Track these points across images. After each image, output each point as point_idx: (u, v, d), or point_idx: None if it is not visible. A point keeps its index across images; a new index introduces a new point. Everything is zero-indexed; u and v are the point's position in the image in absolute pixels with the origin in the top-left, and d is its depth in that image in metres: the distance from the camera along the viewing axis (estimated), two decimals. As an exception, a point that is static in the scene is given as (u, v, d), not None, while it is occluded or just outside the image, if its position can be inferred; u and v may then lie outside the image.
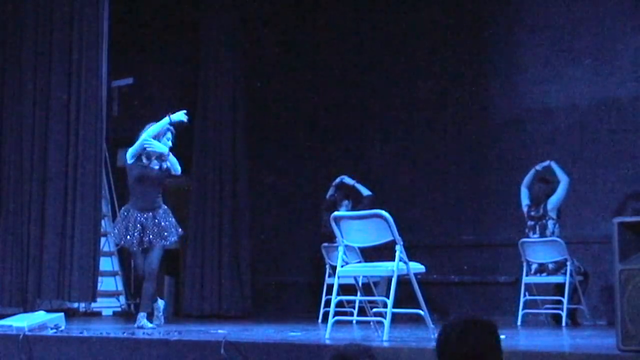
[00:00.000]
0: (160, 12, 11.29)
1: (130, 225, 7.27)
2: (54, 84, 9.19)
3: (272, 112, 10.89)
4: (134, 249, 7.33)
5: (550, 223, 8.20)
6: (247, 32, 10.55)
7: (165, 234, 7.32)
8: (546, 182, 8.36)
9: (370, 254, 7.97)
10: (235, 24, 10.46)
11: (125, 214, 7.38)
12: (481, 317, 2.89)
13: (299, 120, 10.74)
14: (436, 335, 2.89)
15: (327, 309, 6.65)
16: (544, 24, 9.34)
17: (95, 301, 9.40)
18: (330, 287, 7.30)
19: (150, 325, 7.20)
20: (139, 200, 7.38)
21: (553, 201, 8.20)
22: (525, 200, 8.42)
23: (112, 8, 9.40)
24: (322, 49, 10.64)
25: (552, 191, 8.29)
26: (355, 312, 7.82)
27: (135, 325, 7.23)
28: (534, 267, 8.22)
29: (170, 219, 7.40)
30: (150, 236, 7.27)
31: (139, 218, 7.29)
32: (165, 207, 7.43)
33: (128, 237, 7.27)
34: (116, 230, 7.44)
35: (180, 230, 7.56)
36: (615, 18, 8.92)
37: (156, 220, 7.29)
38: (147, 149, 7.30)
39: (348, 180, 9.54)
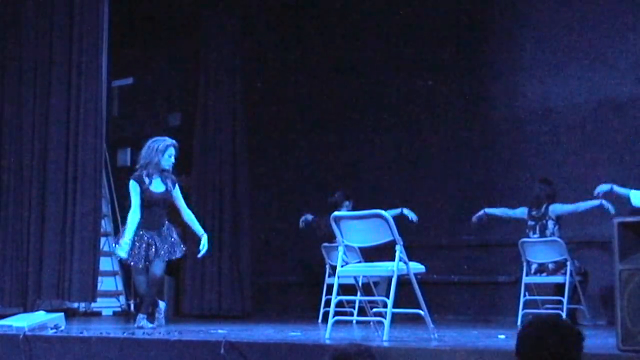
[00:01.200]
0: (160, 12, 11.30)
1: (137, 243, 7.24)
2: (54, 84, 9.19)
3: (272, 112, 10.89)
4: (140, 265, 7.27)
5: (550, 223, 8.19)
6: (247, 32, 10.55)
7: (173, 249, 7.32)
8: (547, 183, 8.34)
9: (370, 254, 7.97)
10: (235, 24, 10.47)
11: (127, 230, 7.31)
12: (566, 322, 2.87)
13: (299, 120, 10.74)
14: (521, 329, 2.86)
15: (327, 309, 6.65)
16: (544, 24, 9.34)
17: (95, 301, 9.40)
18: (330, 287, 7.30)
19: (150, 325, 7.20)
20: (145, 220, 7.31)
21: (557, 209, 8.18)
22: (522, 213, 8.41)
23: (112, 8, 9.40)
24: (323, 49, 10.64)
25: (553, 192, 8.27)
26: (355, 312, 7.82)
27: (135, 326, 7.23)
28: (534, 267, 8.21)
29: (175, 236, 7.39)
30: (157, 247, 7.24)
31: (144, 236, 7.26)
32: (169, 224, 7.41)
33: (135, 253, 7.22)
34: (128, 251, 7.29)
35: (183, 247, 7.53)
36: (615, 18, 8.92)
37: (162, 237, 7.29)
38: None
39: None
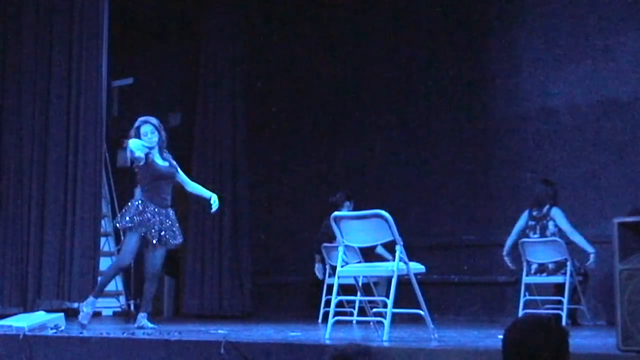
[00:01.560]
0: (160, 12, 11.29)
1: (150, 217, 7.08)
2: (54, 84, 9.19)
3: (272, 112, 10.89)
4: (150, 237, 7.06)
5: (551, 224, 8.18)
6: (247, 32, 10.55)
7: (174, 234, 7.28)
8: (549, 184, 8.33)
9: (371, 254, 7.97)
10: (236, 23, 10.47)
11: (141, 206, 7.12)
12: (551, 320, 2.87)
13: (299, 120, 10.74)
14: (505, 331, 2.87)
15: (327, 309, 6.64)
16: (544, 24, 9.34)
17: (95, 301, 9.39)
18: (330, 287, 7.29)
19: (150, 325, 7.19)
20: (154, 196, 7.18)
21: (557, 218, 8.15)
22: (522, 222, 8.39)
23: (112, 8, 9.39)
24: (323, 49, 10.64)
25: (555, 193, 8.26)
26: (355, 312, 7.81)
27: (136, 325, 7.21)
28: (534, 267, 8.21)
29: (177, 222, 7.36)
30: (169, 234, 7.19)
31: (156, 213, 7.14)
32: (172, 209, 7.38)
33: (153, 229, 7.05)
34: (127, 217, 7.09)
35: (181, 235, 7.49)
36: (615, 18, 8.92)
37: (169, 220, 7.25)
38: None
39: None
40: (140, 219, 7.07)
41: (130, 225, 7.09)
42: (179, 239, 7.35)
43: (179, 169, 7.41)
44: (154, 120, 7.29)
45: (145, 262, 7.29)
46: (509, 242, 8.37)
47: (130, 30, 11.26)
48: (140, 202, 7.17)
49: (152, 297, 7.38)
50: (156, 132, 7.22)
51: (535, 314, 7.42)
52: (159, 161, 7.25)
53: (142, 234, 7.09)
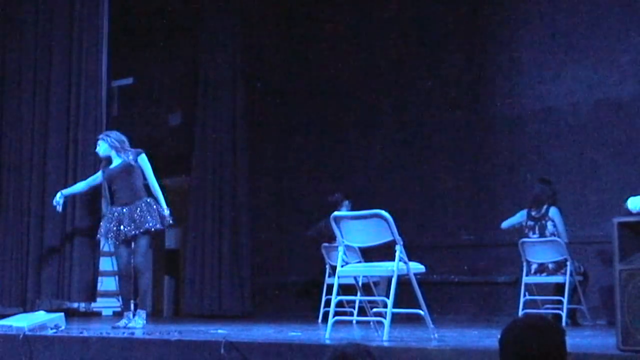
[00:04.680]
0: (160, 12, 11.30)
1: (109, 220, 7.41)
2: (54, 83, 9.19)
3: (271, 112, 10.89)
4: (113, 241, 7.43)
5: (549, 224, 8.19)
6: (247, 32, 10.55)
7: (140, 223, 7.31)
8: (547, 183, 8.33)
9: (371, 254, 7.96)
10: (235, 24, 10.47)
11: (107, 213, 7.61)
12: (549, 319, 2.87)
13: (299, 120, 10.74)
14: (502, 332, 2.88)
15: (327, 309, 6.64)
16: (544, 24, 9.34)
17: (95, 301, 9.40)
18: (330, 287, 7.30)
19: (141, 324, 7.21)
20: (114, 199, 7.55)
21: (555, 219, 8.15)
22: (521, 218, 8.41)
23: (112, 8, 9.39)
24: (323, 49, 10.64)
25: (553, 192, 8.27)
26: (355, 312, 7.81)
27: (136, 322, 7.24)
28: (534, 267, 8.21)
29: (147, 210, 7.37)
30: (127, 228, 7.28)
31: (116, 213, 7.38)
32: (148, 199, 7.41)
33: (110, 232, 7.37)
34: (100, 227, 7.56)
35: (167, 219, 7.49)
36: (615, 18, 8.92)
37: (131, 213, 7.32)
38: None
39: None
40: (108, 225, 7.42)
41: (100, 235, 7.62)
42: (147, 225, 7.34)
43: (137, 160, 7.48)
44: (100, 135, 7.75)
45: (124, 257, 7.41)
46: (506, 223, 8.46)
47: (130, 30, 11.26)
48: (107, 209, 7.67)
49: (146, 292, 7.44)
50: (100, 143, 7.59)
51: (532, 314, 7.43)
52: (112, 165, 7.54)
53: (110, 238, 7.47)
